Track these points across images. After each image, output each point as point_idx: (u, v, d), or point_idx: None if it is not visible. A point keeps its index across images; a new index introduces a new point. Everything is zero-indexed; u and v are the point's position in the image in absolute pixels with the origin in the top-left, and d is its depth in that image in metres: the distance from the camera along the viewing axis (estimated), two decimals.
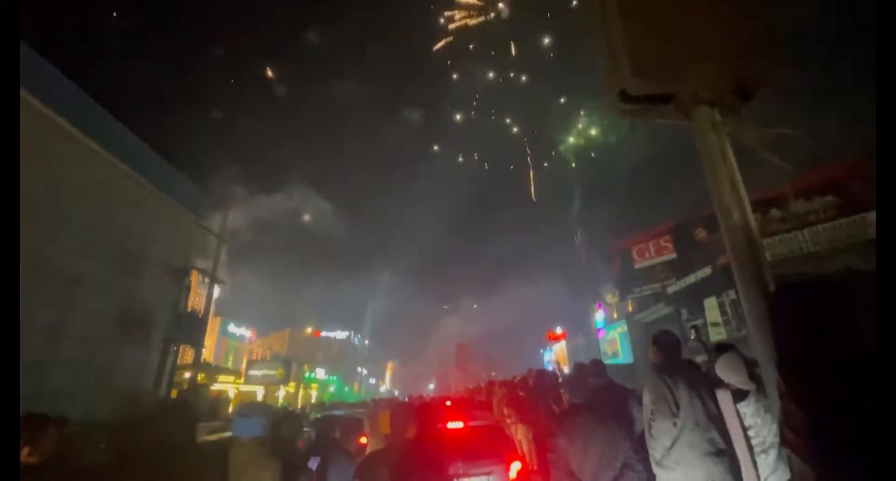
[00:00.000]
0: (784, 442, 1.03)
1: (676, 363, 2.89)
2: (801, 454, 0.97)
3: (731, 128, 1.67)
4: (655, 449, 2.68)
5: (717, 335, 12.82)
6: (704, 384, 2.73)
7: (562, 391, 4.04)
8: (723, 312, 12.97)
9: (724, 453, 2.56)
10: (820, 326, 1.01)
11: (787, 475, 2.12)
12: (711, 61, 1.65)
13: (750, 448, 2.46)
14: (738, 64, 1.66)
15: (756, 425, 2.48)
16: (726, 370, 2.59)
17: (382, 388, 67.08)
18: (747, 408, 2.52)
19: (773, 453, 2.41)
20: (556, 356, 33.27)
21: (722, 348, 2.70)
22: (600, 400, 3.25)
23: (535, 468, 5.42)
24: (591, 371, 3.91)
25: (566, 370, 27.96)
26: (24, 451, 2.19)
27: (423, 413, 2.54)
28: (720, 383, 2.64)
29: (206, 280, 14.98)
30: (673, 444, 2.61)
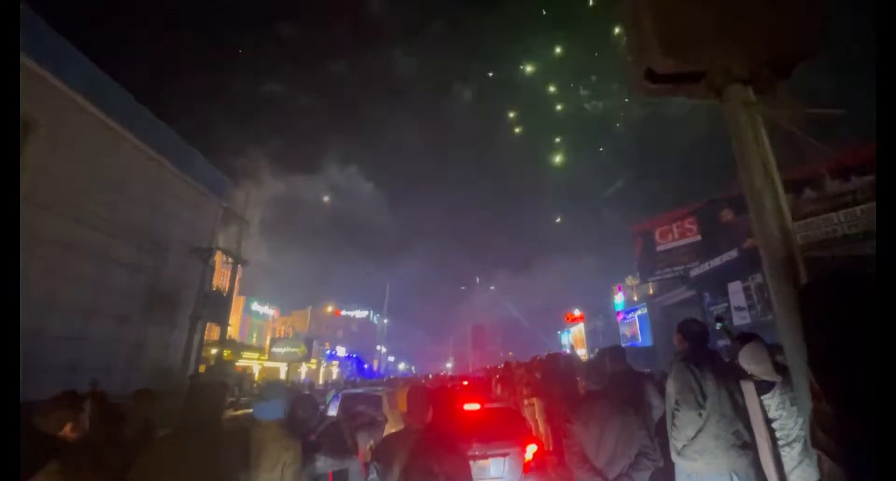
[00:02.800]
0: (814, 442, 0.99)
1: (703, 353, 2.82)
2: (832, 455, 0.93)
3: (764, 108, 1.57)
4: (678, 439, 2.64)
5: (741, 320, 12.54)
6: (731, 375, 2.66)
7: (577, 377, 4.02)
8: (748, 297, 12.63)
9: (750, 446, 2.51)
10: (854, 323, 0.95)
11: (813, 469, 2.07)
12: (745, 34, 1.53)
13: (773, 440, 2.40)
14: (775, 36, 1.54)
15: (781, 418, 2.42)
16: (750, 361, 2.52)
17: (401, 366, 68.50)
18: (771, 401, 2.45)
19: (797, 446, 2.35)
20: (574, 338, 33.28)
21: (745, 338, 2.61)
22: (617, 387, 3.21)
23: (551, 449, 5.48)
24: (609, 356, 3.88)
25: (581, 353, 28.02)
26: (67, 427, 2.26)
27: (439, 396, 2.56)
28: (744, 374, 2.57)
29: (230, 260, 15.36)
30: (697, 435, 2.57)
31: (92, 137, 8.90)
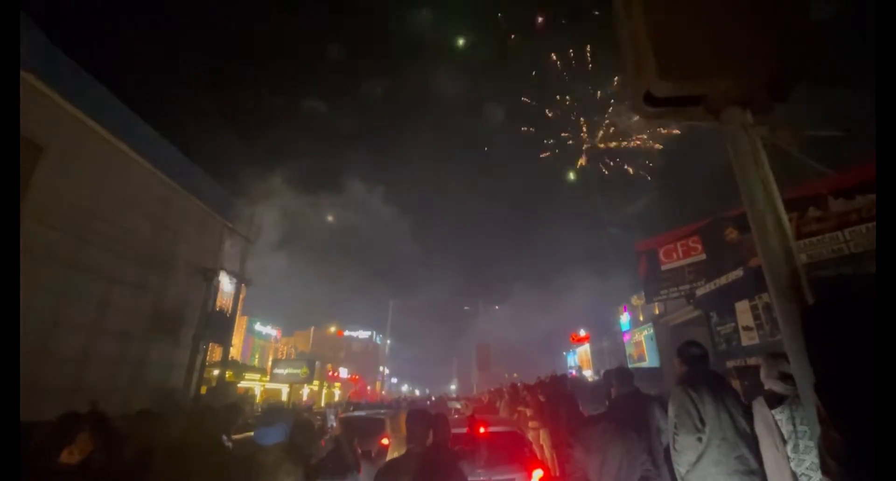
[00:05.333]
0: (824, 470, 0.96)
1: (703, 375, 2.77)
2: None
3: (763, 130, 1.58)
4: (680, 464, 2.58)
5: (749, 340, 12.31)
6: (735, 398, 2.60)
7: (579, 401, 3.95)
8: (755, 316, 12.44)
9: (756, 473, 2.43)
10: (858, 346, 0.94)
11: None
12: (743, 58, 1.56)
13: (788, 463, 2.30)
14: (772, 60, 1.56)
15: (792, 437, 2.32)
16: (768, 374, 2.47)
17: (404, 388, 67.40)
18: (782, 415, 2.36)
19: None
20: (580, 359, 32.76)
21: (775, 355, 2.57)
22: (620, 411, 3.16)
23: (557, 474, 5.32)
24: (616, 378, 3.81)
25: (587, 373, 27.50)
26: (65, 452, 2.18)
27: (441, 420, 2.52)
28: (758, 393, 2.52)
29: (234, 280, 15.36)
30: (698, 460, 2.50)
31: (100, 158, 9.05)
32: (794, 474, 2.26)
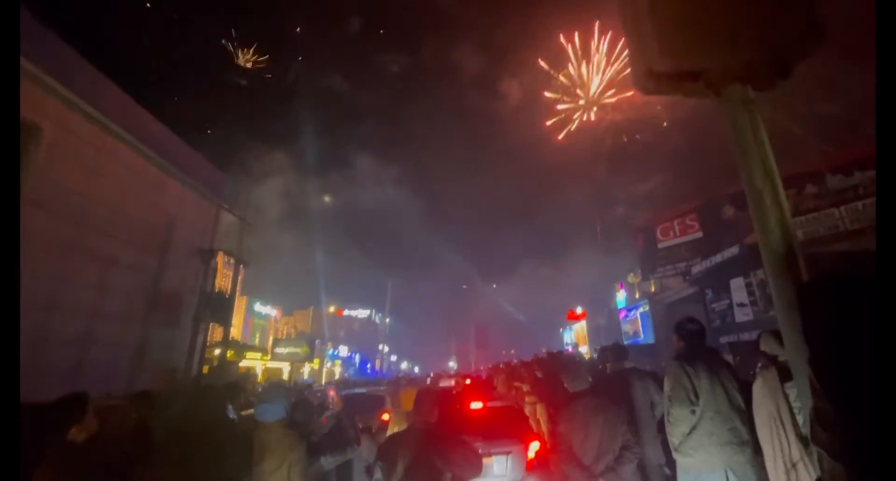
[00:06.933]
0: (814, 439, 0.99)
1: (699, 351, 2.85)
2: (832, 453, 0.94)
3: (764, 107, 1.57)
4: (674, 435, 2.69)
5: (743, 317, 12.52)
6: (730, 373, 2.68)
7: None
8: (749, 293, 12.62)
9: (748, 444, 2.53)
10: (852, 321, 0.96)
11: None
12: (745, 33, 1.53)
13: (798, 435, 2.37)
14: (775, 35, 1.54)
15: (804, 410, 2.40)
16: (773, 344, 2.54)
17: (403, 365, 68.60)
18: (793, 390, 2.42)
19: None
20: (576, 336, 33.29)
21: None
22: (602, 388, 3.31)
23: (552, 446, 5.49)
24: (612, 355, 3.90)
25: (583, 350, 27.97)
26: (73, 430, 2.23)
27: (444, 397, 2.60)
28: (766, 363, 2.59)
29: (232, 261, 15.39)
30: (691, 431, 2.61)
31: (93, 140, 8.91)
32: (789, 444, 2.37)
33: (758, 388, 2.59)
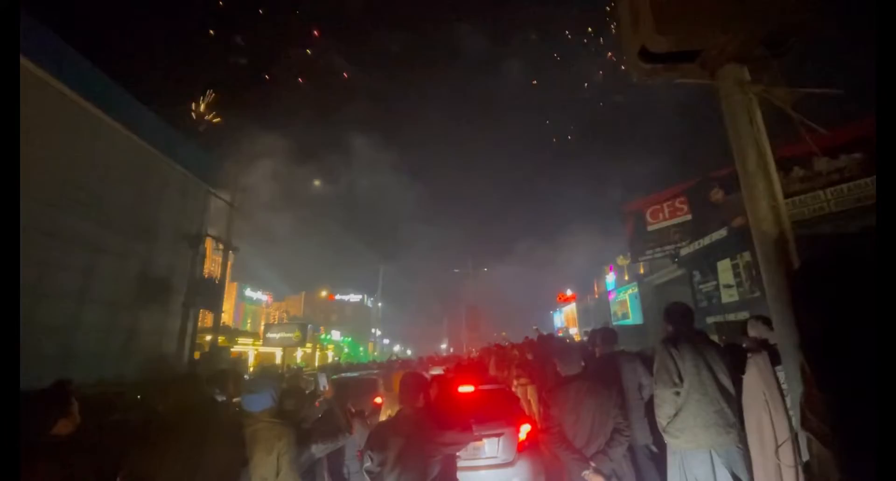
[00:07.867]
0: (804, 424, 1.00)
1: (686, 333, 2.88)
2: (821, 437, 0.94)
3: (759, 88, 1.54)
4: (660, 417, 2.75)
5: (729, 297, 12.75)
6: (718, 356, 2.72)
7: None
8: (735, 274, 12.82)
9: (734, 426, 2.59)
10: (844, 307, 0.95)
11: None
12: (741, 13, 1.49)
13: (788, 418, 2.42)
14: (772, 14, 1.50)
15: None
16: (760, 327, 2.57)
17: (396, 348, 69.20)
18: (782, 373, 2.48)
19: None
20: (566, 318, 33.72)
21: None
22: (593, 371, 3.34)
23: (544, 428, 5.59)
24: (601, 338, 3.94)
25: (573, 332, 28.38)
26: (59, 424, 2.05)
27: (434, 381, 2.59)
28: (755, 349, 2.64)
29: (221, 246, 15.22)
30: (678, 413, 2.66)
31: (71, 123, 8.63)
32: (774, 425, 2.43)
33: (750, 372, 2.64)
